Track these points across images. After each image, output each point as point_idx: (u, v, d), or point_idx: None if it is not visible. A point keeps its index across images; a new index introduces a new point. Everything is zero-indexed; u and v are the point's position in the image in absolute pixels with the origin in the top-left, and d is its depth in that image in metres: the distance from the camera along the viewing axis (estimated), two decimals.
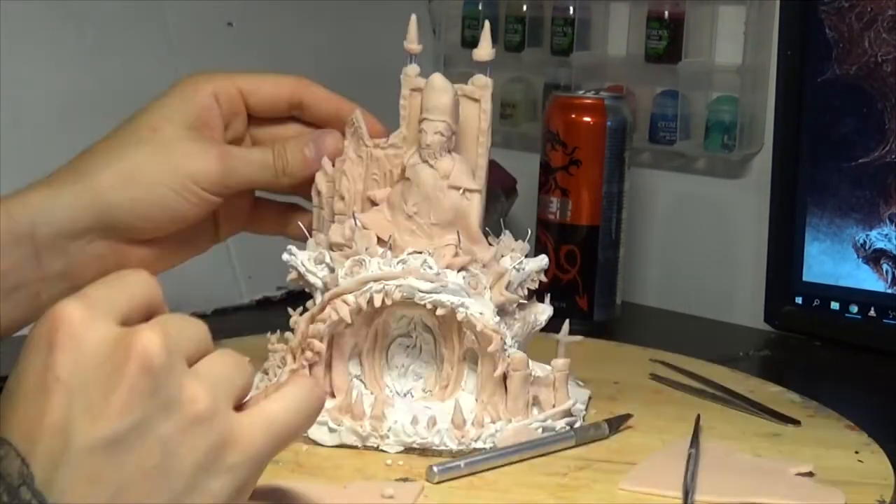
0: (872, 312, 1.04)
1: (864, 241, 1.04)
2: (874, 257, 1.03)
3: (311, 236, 0.76)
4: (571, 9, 1.22)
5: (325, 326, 0.70)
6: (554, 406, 0.72)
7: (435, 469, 0.65)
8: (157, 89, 1.11)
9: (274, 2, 1.14)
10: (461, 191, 0.73)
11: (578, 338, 0.78)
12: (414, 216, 0.73)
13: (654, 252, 1.21)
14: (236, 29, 1.17)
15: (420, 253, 0.71)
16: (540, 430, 0.71)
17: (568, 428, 0.72)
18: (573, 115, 1.06)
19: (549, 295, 0.78)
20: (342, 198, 0.75)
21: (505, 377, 0.71)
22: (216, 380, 0.48)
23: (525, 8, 1.26)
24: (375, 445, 0.69)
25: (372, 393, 0.72)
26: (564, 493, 0.64)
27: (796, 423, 0.77)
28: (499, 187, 1.23)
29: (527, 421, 0.71)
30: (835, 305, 1.06)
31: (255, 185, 0.76)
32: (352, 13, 1.23)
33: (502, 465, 0.68)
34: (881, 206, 1.03)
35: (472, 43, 1.30)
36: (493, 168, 1.24)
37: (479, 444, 0.69)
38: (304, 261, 0.73)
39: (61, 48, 1.05)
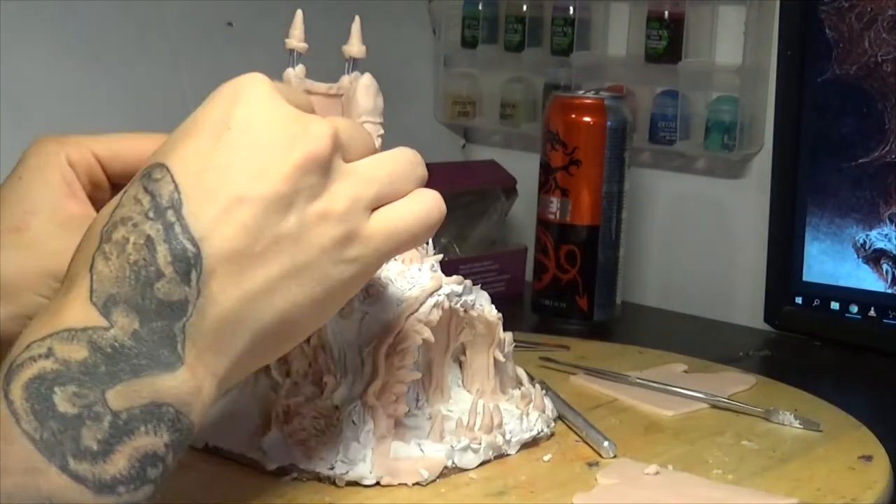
0: (872, 312, 1.04)
1: (864, 241, 1.04)
2: (874, 257, 1.03)
3: None
4: (571, 9, 1.22)
5: (415, 352, 0.66)
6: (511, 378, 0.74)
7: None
8: (157, 89, 1.11)
9: (274, 2, 1.14)
10: None
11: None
12: None
13: (654, 252, 1.21)
14: (236, 29, 1.17)
15: (395, 260, 0.68)
16: None
17: None
18: (573, 115, 1.06)
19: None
20: None
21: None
22: (367, 184, 0.53)
23: (525, 8, 1.26)
24: (505, 452, 0.69)
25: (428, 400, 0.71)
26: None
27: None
28: (499, 187, 1.24)
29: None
30: (835, 305, 1.06)
31: None
32: (351, 13, 1.23)
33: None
34: (881, 206, 1.03)
35: (472, 43, 1.31)
36: (494, 168, 1.25)
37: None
38: None
39: (61, 48, 1.05)
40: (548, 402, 0.74)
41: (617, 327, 1.07)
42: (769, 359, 1.02)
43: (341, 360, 0.65)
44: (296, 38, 0.70)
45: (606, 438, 0.70)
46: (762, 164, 1.13)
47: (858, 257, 1.04)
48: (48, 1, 1.04)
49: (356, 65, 0.70)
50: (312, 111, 0.55)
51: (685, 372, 0.88)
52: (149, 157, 0.51)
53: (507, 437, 0.69)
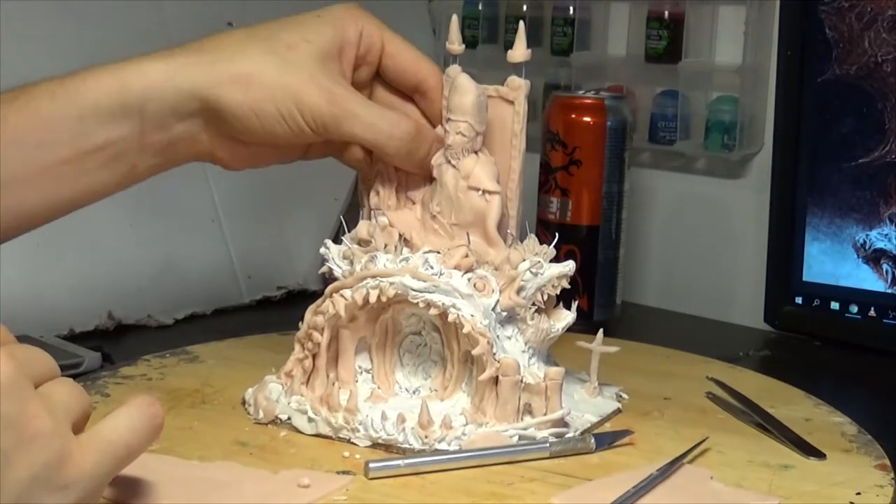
0: (872, 312, 1.04)
1: (864, 241, 1.04)
2: (874, 257, 1.03)
3: (347, 230, 0.76)
4: (571, 9, 1.22)
5: (323, 318, 0.71)
6: (545, 414, 0.71)
7: (371, 465, 0.65)
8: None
9: (274, 2, 1.14)
10: (480, 192, 0.73)
11: (613, 348, 0.77)
12: (437, 216, 0.74)
13: (654, 252, 1.21)
14: (236, 29, 1.17)
15: (436, 252, 0.71)
16: (516, 437, 0.69)
17: (548, 438, 0.70)
18: (573, 115, 1.06)
19: (576, 302, 0.78)
20: (377, 193, 0.76)
21: (497, 382, 0.70)
22: (58, 402, 0.50)
23: (525, 8, 1.26)
24: (347, 438, 0.70)
25: (379, 387, 0.73)
26: (489, 501, 0.63)
27: (820, 455, 0.71)
28: None
29: (501, 427, 0.69)
30: (835, 305, 1.06)
31: (357, 141, 0.75)
32: None
33: (452, 469, 0.66)
34: (881, 206, 1.03)
35: (472, 43, 1.31)
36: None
37: (443, 446, 0.68)
38: (335, 255, 0.74)
39: (61, 48, 1.05)
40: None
41: (617, 327, 1.07)
42: (769, 359, 1.02)
43: None
44: (453, 42, 0.80)
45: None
46: (762, 164, 1.13)
47: (858, 257, 1.04)
48: (48, 1, 1.04)
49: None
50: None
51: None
52: None
53: (355, 425, 0.71)
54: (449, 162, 0.73)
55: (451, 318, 0.70)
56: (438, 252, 0.71)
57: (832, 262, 1.06)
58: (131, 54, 1.10)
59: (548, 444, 0.69)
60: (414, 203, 0.76)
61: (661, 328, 1.14)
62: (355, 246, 0.73)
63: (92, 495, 0.51)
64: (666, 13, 1.14)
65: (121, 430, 0.53)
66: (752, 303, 1.11)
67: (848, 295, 1.05)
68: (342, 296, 0.71)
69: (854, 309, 1.05)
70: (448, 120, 0.73)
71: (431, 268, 0.70)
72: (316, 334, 0.72)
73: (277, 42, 0.72)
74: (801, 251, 1.07)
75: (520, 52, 0.76)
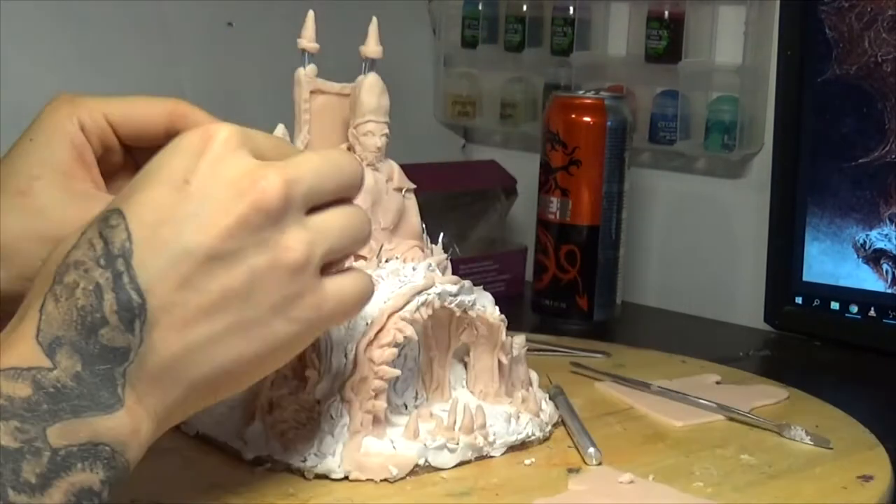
0: (872, 312, 1.04)
1: (864, 241, 1.04)
2: (874, 257, 1.03)
3: None
4: (571, 9, 1.22)
5: (391, 350, 0.65)
6: (523, 381, 0.73)
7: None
8: (157, 89, 1.11)
9: (274, 2, 1.14)
10: (402, 191, 0.72)
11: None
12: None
13: (654, 252, 1.21)
14: (236, 29, 1.17)
15: (395, 259, 0.70)
16: None
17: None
18: (573, 115, 1.06)
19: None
20: None
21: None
22: (322, 237, 0.53)
23: (525, 8, 1.26)
24: (487, 453, 0.68)
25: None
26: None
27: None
28: (499, 187, 1.24)
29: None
30: (835, 305, 1.06)
31: None
32: (351, 13, 1.23)
33: None
34: (881, 206, 1.03)
35: (472, 43, 1.31)
36: (493, 168, 1.25)
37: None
38: None
39: (61, 48, 1.05)
40: (547, 407, 0.73)
41: (617, 327, 1.07)
42: (769, 359, 1.02)
43: (327, 355, 0.65)
44: (307, 39, 0.70)
45: (593, 445, 0.69)
46: (762, 164, 1.13)
47: (858, 257, 1.04)
48: (48, 1, 1.04)
49: (373, 65, 0.70)
50: (286, 156, 0.54)
51: (717, 383, 0.85)
52: (111, 201, 0.52)
53: (491, 438, 0.68)
54: (370, 166, 0.70)
55: (475, 313, 0.70)
56: (397, 257, 0.70)
57: (832, 262, 1.06)
58: (131, 54, 1.11)
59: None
60: None
61: (661, 328, 1.14)
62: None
63: (315, 334, 0.56)
64: (666, 13, 1.14)
65: (357, 294, 0.56)
66: (752, 303, 1.11)
67: (848, 295, 1.05)
68: (403, 318, 0.66)
69: (854, 309, 1.05)
70: (370, 122, 0.70)
71: (413, 270, 0.69)
72: (390, 370, 0.65)
73: (9, 196, 0.61)
74: (801, 251, 1.07)
75: (372, 47, 0.71)
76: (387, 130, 0.70)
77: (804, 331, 1.08)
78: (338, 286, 0.54)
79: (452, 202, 1.21)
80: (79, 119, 0.63)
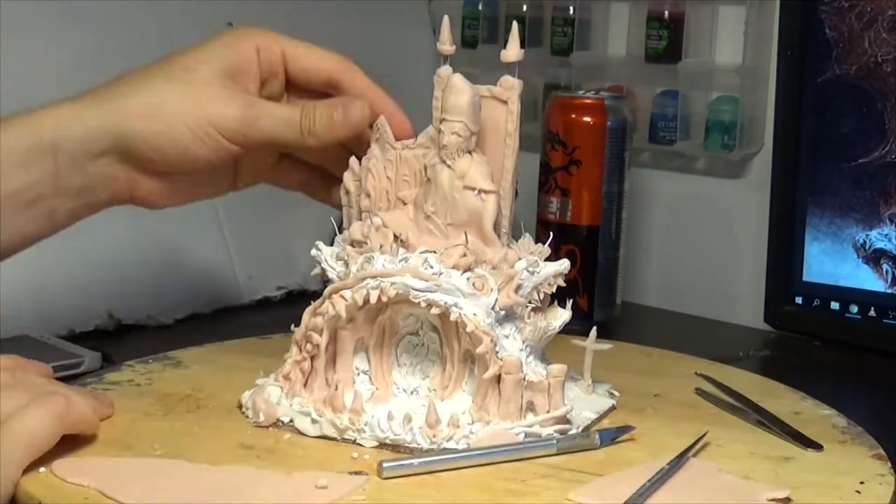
0: (872, 312, 1.04)
1: (864, 241, 1.04)
2: (874, 257, 1.03)
3: (339, 233, 0.77)
4: (571, 9, 1.22)
5: (322, 320, 0.71)
6: (548, 412, 0.71)
7: (385, 465, 0.65)
8: None
9: (274, 2, 1.14)
10: (476, 191, 0.73)
11: (607, 345, 0.78)
12: (432, 216, 0.74)
13: (654, 252, 1.21)
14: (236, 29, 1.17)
15: (433, 252, 0.71)
16: (522, 434, 0.69)
17: (554, 435, 0.70)
18: (573, 115, 1.06)
19: (570, 301, 0.78)
20: (368, 195, 0.76)
21: (500, 380, 0.70)
22: None
23: (525, 8, 1.26)
24: (353, 439, 0.69)
25: (377, 388, 0.72)
26: (507, 499, 0.63)
27: (818, 447, 0.71)
28: None
29: (507, 424, 0.69)
30: (835, 305, 1.06)
31: (278, 140, 0.76)
32: (352, 13, 1.23)
33: (464, 468, 0.66)
34: (881, 206, 1.03)
35: (472, 43, 1.31)
36: None
37: (451, 444, 0.68)
38: (328, 256, 0.74)
39: (61, 48, 1.05)
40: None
41: (617, 327, 1.07)
42: (769, 359, 1.02)
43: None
44: (445, 43, 0.79)
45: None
46: (762, 164, 1.13)
47: (858, 257, 1.04)
48: (48, 1, 1.04)
49: (514, 69, 0.76)
50: None
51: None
52: None
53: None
54: (444, 162, 0.73)
55: (453, 317, 0.69)
56: (435, 252, 0.71)
57: (832, 262, 1.06)
58: (131, 54, 1.10)
59: (555, 441, 0.69)
60: (405, 204, 0.76)
61: (660, 328, 1.14)
62: (349, 247, 0.74)
63: (5, 482, 0.57)
64: (666, 13, 1.14)
65: (28, 423, 0.58)
66: (752, 303, 1.11)
67: (848, 295, 1.05)
68: (342, 296, 0.71)
69: (854, 309, 1.05)
70: (443, 120, 0.73)
71: (431, 267, 0.70)
72: (315, 335, 0.72)
73: (176, 67, 0.74)
74: (801, 251, 1.07)
75: (513, 51, 0.75)
76: (457, 129, 0.72)
77: (804, 331, 1.08)
78: (8, 432, 0.59)
79: None
80: (257, 43, 0.74)
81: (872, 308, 1.04)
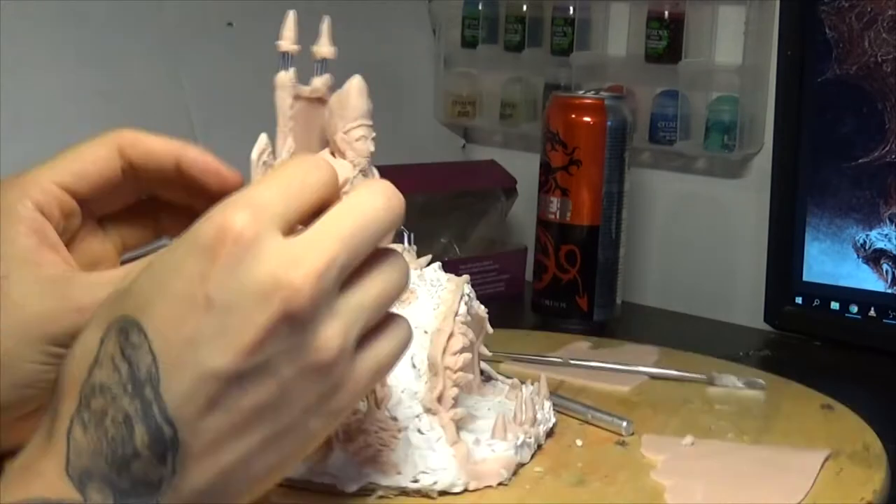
0: (872, 312, 1.04)
1: (864, 241, 1.04)
2: (874, 257, 1.03)
3: None
4: (571, 9, 1.22)
5: (469, 354, 0.67)
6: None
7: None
8: (157, 89, 1.11)
9: (274, 2, 1.14)
10: None
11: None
12: None
13: (654, 252, 1.21)
14: (236, 29, 1.17)
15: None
16: None
17: None
18: (573, 115, 1.06)
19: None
20: None
21: None
22: (357, 316, 0.48)
23: (525, 8, 1.26)
24: (541, 443, 0.69)
25: None
26: None
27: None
28: (499, 187, 1.24)
29: None
30: (835, 305, 1.06)
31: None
32: (351, 13, 1.23)
33: None
34: (881, 206, 1.03)
35: (472, 43, 1.31)
36: (493, 168, 1.25)
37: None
38: None
39: (61, 48, 1.05)
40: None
41: (617, 327, 1.07)
42: (769, 359, 1.02)
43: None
44: (288, 40, 0.66)
45: (623, 418, 0.72)
46: (762, 164, 1.13)
47: (858, 257, 1.04)
48: (48, 1, 1.04)
49: (326, 66, 0.66)
50: (309, 208, 0.49)
51: (591, 348, 0.92)
52: (122, 304, 0.47)
53: (542, 427, 0.69)
54: (362, 173, 0.66)
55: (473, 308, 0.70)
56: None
57: (832, 262, 1.06)
58: (131, 54, 1.11)
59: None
60: None
61: (661, 328, 1.14)
62: None
63: (349, 412, 0.53)
64: (666, 13, 1.14)
65: (391, 354, 0.51)
66: (752, 303, 1.11)
67: (848, 295, 1.05)
68: (463, 322, 0.66)
69: (854, 309, 1.05)
70: (361, 126, 0.65)
71: (423, 278, 0.69)
72: (465, 375, 0.67)
73: None
74: (801, 251, 1.07)
75: (326, 48, 0.67)
76: (374, 134, 0.66)
77: (804, 331, 1.08)
78: (374, 355, 0.50)
79: (452, 202, 1.21)
80: (31, 200, 0.57)
81: (872, 308, 1.03)
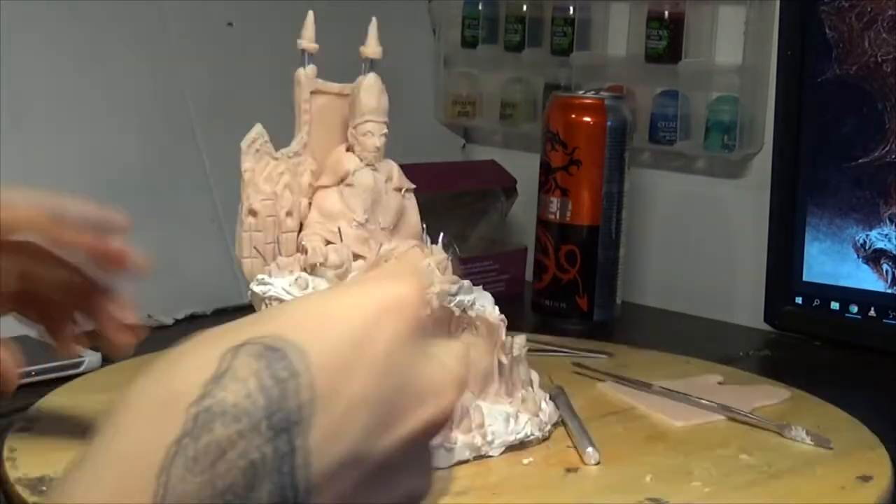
0: (872, 312, 1.04)
1: (864, 241, 1.04)
2: (874, 257, 1.03)
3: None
4: (571, 9, 1.22)
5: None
6: (523, 381, 0.72)
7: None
8: (157, 89, 1.11)
9: (274, 2, 1.14)
10: (402, 191, 0.72)
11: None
12: (365, 224, 0.71)
13: (654, 252, 1.21)
14: (236, 29, 1.17)
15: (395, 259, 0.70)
16: None
17: None
18: (573, 115, 1.06)
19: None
20: (289, 213, 0.72)
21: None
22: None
23: (525, 8, 1.26)
24: (486, 453, 0.69)
25: None
26: None
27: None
28: (499, 187, 1.24)
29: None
30: (835, 305, 1.06)
31: None
32: (351, 13, 1.23)
33: None
34: (881, 206, 1.03)
35: (472, 43, 1.31)
36: (493, 168, 1.25)
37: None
38: (286, 287, 0.69)
39: (61, 48, 1.05)
40: (547, 407, 0.73)
41: (617, 327, 1.07)
42: (769, 359, 1.02)
43: None
44: (307, 39, 0.69)
45: (591, 445, 0.70)
46: (762, 164, 1.13)
47: (858, 257, 1.04)
48: (48, 1, 1.04)
49: (373, 65, 0.70)
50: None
51: (720, 383, 0.86)
52: (271, 320, 0.40)
53: (489, 438, 0.69)
54: (370, 166, 0.70)
55: (474, 313, 0.69)
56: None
57: (832, 262, 1.06)
58: (131, 54, 1.11)
59: None
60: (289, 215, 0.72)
61: (661, 328, 1.14)
62: (329, 272, 0.70)
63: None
64: (666, 13, 1.14)
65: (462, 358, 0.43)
66: (752, 303, 1.11)
67: (848, 295, 1.05)
68: None
69: (854, 309, 1.05)
70: (369, 122, 0.70)
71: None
72: None
73: None
74: (801, 251, 1.07)
75: (372, 48, 0.71)
76: (386, 130, 0.70)
77: (804, 331, 1.08)
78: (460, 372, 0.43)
79: (452, 202, 1.21)
80: None
81: (872, 308, 1.03)
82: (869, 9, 1.03)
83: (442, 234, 0.75)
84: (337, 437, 0.36)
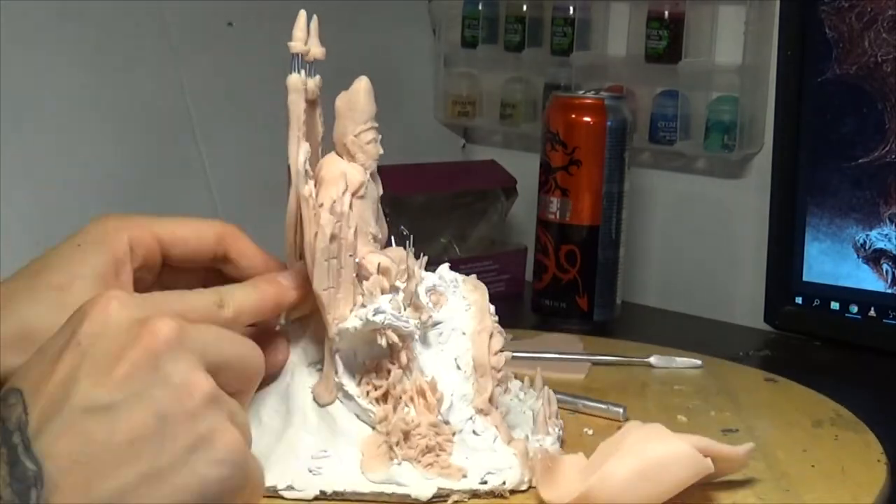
0: (872, 312, 1.04)
1: (864, 241, 1.04)
2: (874, 257, 1.03)
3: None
4: (571, 9, 1.22)
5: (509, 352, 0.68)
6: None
7: None
8: (157, 89, 1.11)
9: (274, 2, 1.14)
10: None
11: None
12: (376, 235, 0.66)
13: (654, 252, 1.21)
14: (236, 29, 1.17)
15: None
16: None
17: None
18: (573, 115, 1.06)
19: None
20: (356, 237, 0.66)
21: None
22: (216, 368, 0.50)
23: (525, 8, 1.26)
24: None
25: None
26: None
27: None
28: (499, 187, 1.24)
29: None
30: (835, 305, 1.06)
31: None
32: (352, 13, 1.23)
33: None
34: (881, 206, 1.03)
35: (472, 43, 1.31)
36: (494, 168, 1.25)
37: None
38: (394, 311, 0.63)
39: (61, 48, 1.05)
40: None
41: (617, 327, 1.07)
42: (769, 359, 1.02)
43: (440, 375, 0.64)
44: (299, 41, 0.64)
45: (618, 405, 0.75)
46: (762, 164, 1.13)
47: (858, 257, 1.04)
48: (48, 1, 1.04)
49: (317, 67, 0.64)
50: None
51: (514, 339, 0.89)
52: (10, 380, 0.49)
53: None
54: (371, 175, 0.65)
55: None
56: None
57: (832, 262, 1.06)
58: (131, 54, 1.11)
59: None
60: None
61: (660, 328, 1.14)
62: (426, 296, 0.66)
63: (250, 476, 0.50)
64: (666, 13, 1.14)
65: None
66: (752, 303, 1.11)
67: (848, 295, 1.05)
68: (495, 321, 0.67)
69: (854, 309, 1.05)
70: (371, 129, 0.64)
71: (443, 279, 0.69)
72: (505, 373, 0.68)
73: (42, 285, 0.62)
74: (801, 251, 1.07)
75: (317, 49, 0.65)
76: (381, 136, 0.65)
77: (804, 331, 1.08)
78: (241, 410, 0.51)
79: (452, 202, 1.21)
80: (129, 235, 0.63)
81: (872, 308, 1.03)
82: (869, 9, 1.03)
83: (402, 227, 0.72)
84: (51, 416, 0.46)
